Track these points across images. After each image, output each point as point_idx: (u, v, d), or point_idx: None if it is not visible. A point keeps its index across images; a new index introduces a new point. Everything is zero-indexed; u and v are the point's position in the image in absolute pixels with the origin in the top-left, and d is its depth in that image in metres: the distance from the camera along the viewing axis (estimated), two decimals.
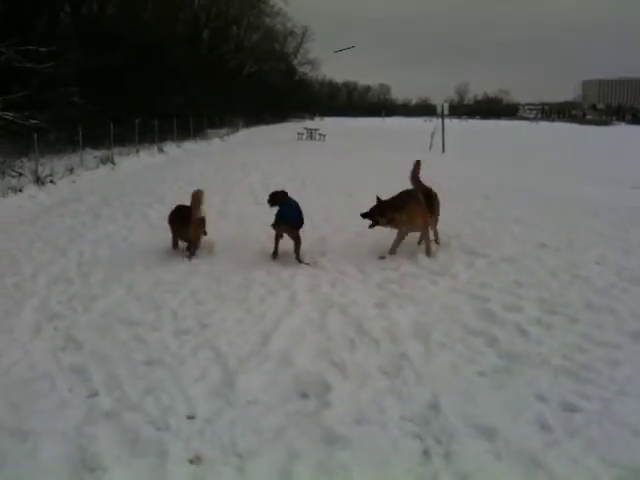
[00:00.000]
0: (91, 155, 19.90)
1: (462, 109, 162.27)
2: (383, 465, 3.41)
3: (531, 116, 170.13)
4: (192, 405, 4.04)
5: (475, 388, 4.26)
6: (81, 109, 21.54)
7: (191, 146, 30.66)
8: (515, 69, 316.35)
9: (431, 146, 28.41)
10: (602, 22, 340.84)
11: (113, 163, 19.68)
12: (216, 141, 36.47)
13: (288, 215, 7.62)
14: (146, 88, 28.16)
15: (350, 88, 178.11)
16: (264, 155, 25.04)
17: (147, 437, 3.66)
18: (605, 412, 3.88)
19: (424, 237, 7.98)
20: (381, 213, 7.68)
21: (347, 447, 3.55)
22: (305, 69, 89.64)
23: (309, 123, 67.60)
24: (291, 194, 8.08)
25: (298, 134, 39.99)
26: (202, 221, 8.02)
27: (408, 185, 8.19)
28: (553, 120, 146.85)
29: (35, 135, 15.49)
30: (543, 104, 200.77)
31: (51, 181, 14.77)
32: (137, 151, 23.64)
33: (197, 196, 7.84)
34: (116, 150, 21.17)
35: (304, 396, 4.20)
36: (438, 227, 8.45)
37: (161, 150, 26.05)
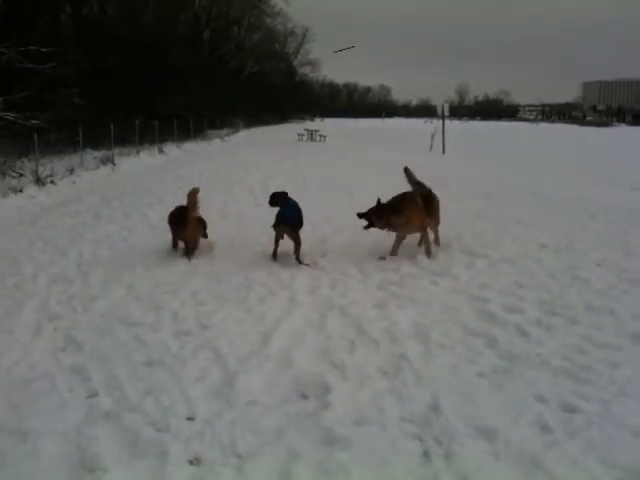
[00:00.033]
0: (91, 156, 19.90)
1: (463, 110, 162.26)
2: (383, 466, 3.41)
3: (531, 117, 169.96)
4: (192, 406, 4.04)
5: (475, 389, 4.26)
6: (82, 110, 21.53)
7: (191, 147, 30.66)
8: (515, 69, 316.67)
9: (431, 147, 28.44)
10: (602, 22, 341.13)
11: (113, 164, 19.68)
12: (216, 142, 36.47)
13: (288, 216, 7.63)
14: (147, 89, 28.16)
15: (350, 89, 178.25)
16: (265, 156, 25.05)
17: (147, 438, 3.66)
18: (605, 413, 3.88)
19: (424, 239, 7.97)
20: (378, 215, 7.68)
21: (347, 448, 3.55)
22: (306, 70, 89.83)
23: (309, 124, 67.75)
24: (292, 195, 8.09)
25: (298, 135, 39.99)
26: (200, 221, 8.02)
27: (407, 187, 8.20)
28: (553, 121, 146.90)
29: (36, 135, 15.49)
30: (543, 105, 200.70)
31: (51, 181, 14.77)
32: (137, 152, 23.64)
33: (192, 194, 7.84)
34: (116, 151, 21.17)
35: (304, 397, 4.21)
36: (439, 229, 8.43)
37: (161, 151, 26.05)
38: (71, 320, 5.68)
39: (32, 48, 16.49)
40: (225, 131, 43.87)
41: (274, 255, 7.71)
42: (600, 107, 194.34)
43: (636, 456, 3.44)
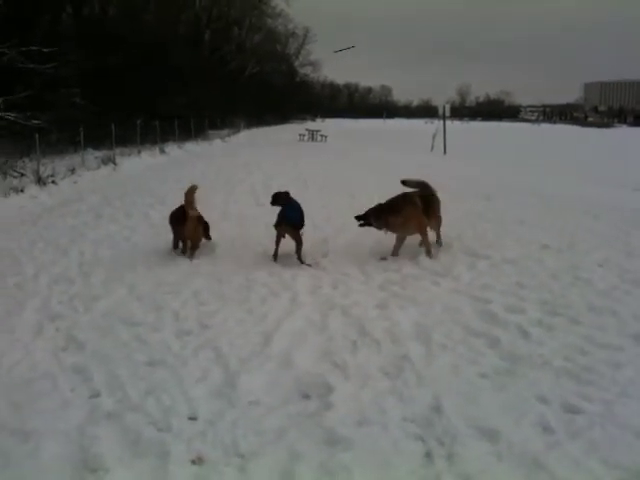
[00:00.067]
0: (92, 155, 19.90)
1: (464, 111, 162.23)
2: (385, 466, 3.41)
3: (533, 118, 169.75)
4: (194, 406, 4.04)
5: (477, 389, 4.26)
6: (83, 110, 21.54)
7: (192, 147, 30.66)
8: (515, 69, 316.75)
9: (433, 147, 28.44)
10: (602, 22, 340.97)
11: (114, 164, 19.69)
12: (217, 142, 36.47)
13: (290, 216, 7.63)
14: (148, 89, 28.17)
15: (351, 89, 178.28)
16: (266, 156, 25.06)
17: (149, 438, 3.66)
18: (607, 414, 3.87)
19: (423, 239, 7.95)
20: (377, 216, 7.68)
21: (349, 448, 3.55)
22: (306, 70, 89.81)
23: (311, 124, 67.72)
24: (293, 195, 8.09)
25: (300, 135, 39.99)
26: (200, 219, 8.01)
27: (409, 186, 8.20)
28: (555, 122, 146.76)
29: (37, 135, 15.49)
30: (545, 106, 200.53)
31: (53, 181, 14.78)
32: (138, 152, 23.65)
33: (189, 192, 7.85)
34: (117, 151, 21.18)
35: (306, 397, 4.20)
36: (440, 230, 8.41)
37: (162, 151, 26.06)
38: (72, 320, 5.68)
39: (33, 48, 16.49)
40: (226, 131, 43.85)
41: (275, 255, 7.71)
42: (601, 108, 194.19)
43: (638, 456, 3.44)
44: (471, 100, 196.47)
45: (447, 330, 5.34)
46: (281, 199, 7.93)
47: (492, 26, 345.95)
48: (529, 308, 5.85)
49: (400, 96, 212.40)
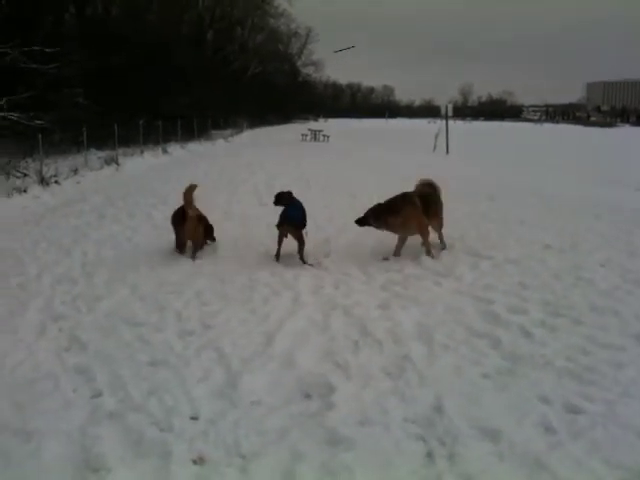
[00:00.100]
0: (95, 156, 19.96)
1: (466, 110, 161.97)
2: (386, 466, 3.41)
3: (535, 118, 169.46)
4: (196, 406, 4.04)
5: (479, 390, 4.26)
6: (85, 110, 21.60)
7: (195, 147, 30.69)
8: (516, 69, 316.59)
9: (435, 147, 28.41)
10: (603, 22, 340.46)
11: (117, 164, 19.72)
12: (220, 142, 36.49)
13: (292, 215, 7.63)
14: (150, 89, 28.20)
15: (354, 89, 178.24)
16: (268, 156, 25.06)
17: (151, 438, 3.67)
18: (609, 414, 3.87)
19: (423, 240, 7.93)
20: (375, 216, 7.68)
21: (350, 448, 3.55)
22: (309, 70, 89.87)
23: (313, 124, 67.70)
24: (295, 195, 8.09)
25: (302, 135, 39.99)
26: (200, 219, 8.01)
27: (410, 187, 8.20)
28: (557, 122, 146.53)
29: (40, 136, 15.53)
30: (547, 106, 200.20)
31: (56, 181, 14.82)
32: (141, 152, 23.69)
33: (187, 192, 7.85)
34: (120, 151, 21.23)
35: (308, 397, 4.21)
36: (443, 231, 8.38)
37: (165, 151, 26.08)
38: (75, 320, 5.69)
39: (36, 48, 16.50)
40: (229, 131, 43.88)
41: (277, 255, 7.71)
42: (604, 108, 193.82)
43: None
44: (473, 100, 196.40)
45: (449, 330, 5.34)
46: (284, 199, 7.94)
47: (492, 26, 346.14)
48: (531, 308, 5.84)
49: (402, 96, 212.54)
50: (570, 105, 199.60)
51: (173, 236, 8.22)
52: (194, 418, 3.90)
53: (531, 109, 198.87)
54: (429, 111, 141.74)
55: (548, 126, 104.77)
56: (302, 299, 6.21)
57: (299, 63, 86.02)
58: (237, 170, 19.10)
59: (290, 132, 50.08)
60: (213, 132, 39.28)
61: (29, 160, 16.13)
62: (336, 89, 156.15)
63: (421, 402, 4.08)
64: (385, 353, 4.90)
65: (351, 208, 9.96)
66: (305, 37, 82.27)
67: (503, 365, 4.65)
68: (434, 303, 6.06)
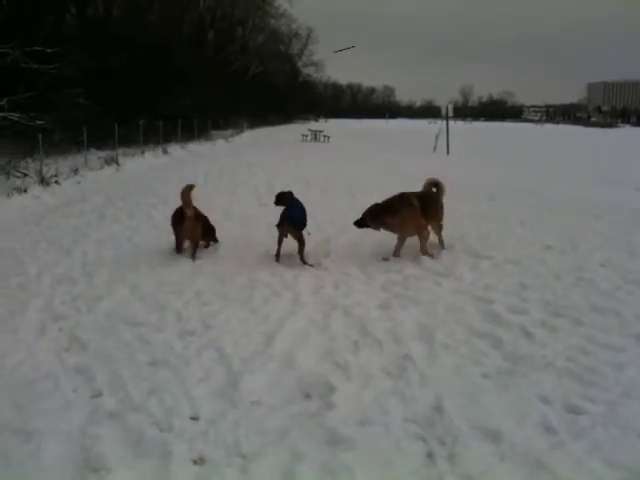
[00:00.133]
0: (95, 156, 19.95)
1: (467, 111, 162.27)
2: (387, 466, 3.41)
3: (536, 118, 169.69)
4: (196, 406, 4.04)
5: (479, 390, 4.25)
6: (86, 110, 21.57)
7: (195, 147, 30.66)
8: (516, 69, 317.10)
9: (435, 148, 28.41)
10: (603, 22, 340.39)
11: (117, 164, 19.71)
12: (220, 142, 36.46)
13: (293, 216, 7.63)
14: (151, 89, 28.18)
15: (354, 90, 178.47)
16: (269, 156, 25.05)
17: (151, 438, 3.66)
18: (610, 414, 3.87)
19: (420, 240, 7.90)
20: (372, 217, 7.67)
21: (350, 448, 3.55)
22: (309, 70, 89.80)
23: (314, 125, 67.72)
24: (296, 195, 8.08)
25: (303, 135, 39.98)
26: (198, 218, 8.00)
27: (410, 187, 8.20)
28: (558, 122, 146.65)
29: (40, 136, 15.53)
30: (548, 106, 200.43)
31: (56, 182, 14.81)
32: (142, 152, 23.66)
33: (184, 192, 7.85)
34: (120, 151, 21.21)
35: (308, 397, 4.21)
36: (443, 232, 8.38)
37: (165, 151, 26.06)
38: (75, 320, 5.68)
39: (37, 49, 16.49)
40: (229, 132, 43.85)
41: (277, 255, 7.71)
42: (605, 108, 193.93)
43: None
44: (474, 100, 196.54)
45: (449, 330, 5.33)
46: (285, 199, 7.94)
47: (492, 26, 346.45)
48: (532, 309, 5.84)
49: (403, 96, 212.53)
50: (571, 105, 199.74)
51: (173, 236, 8.22)
52: (194, 418, 3.90)
53: (532, 109, 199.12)
54: (430, 111, 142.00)
55: (549, 127, 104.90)
56: (302, 299, 6.21)
57: (300, 63, 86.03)
58: (237, 170, 19.08)
59: (291, 132, 50.07)
60: (213, 132, 39.27)
61: (29, 160, 16.12)
62: (337, 89, 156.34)
63: (421, 402, 4.07)
64: (385, 353, 4.89)
65: (351, 208, 9.95)
66: (306, 37, 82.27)
67: (503, 365, 4.64)
68: (434, 303, 6.05)
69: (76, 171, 16.62)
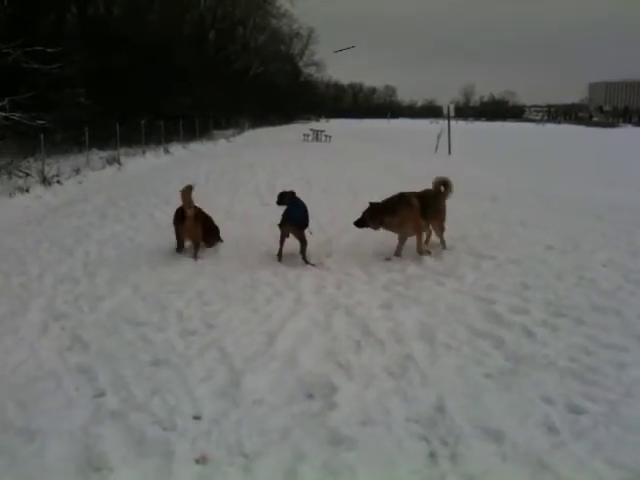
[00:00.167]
0: (97, 156, 19.97)
1: (468, 111, 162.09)
2: (389, 466, 3.41)
3: (537, 118, 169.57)
4: (198, 405, 4.04)
5: (481, 390, 4.25)
6: (87, 110, 21.61)
7: (197, 147, 30.69)
8: (516, 69, 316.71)
9: (437, 148, 28.38)
10: (603, 22, 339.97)
11: (119, 164, 19.73)
12: (222, 142, 36.49)
13: (294, 215, 7.64)
14: (152, 89, 28.21)
15: (356, 90, 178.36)
16: (270, 156, 25.04)
17: (153, 437, 3.67)
18: (612, 414, 3.87)
19: (417, 239, 7.89)
20: (372, 216, 7.68)
21: (352, 448, 3.55)
22: (311, 70, 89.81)
23: (315, 124, 67.66)
24: (297, 195, 8.08)
25: (304, 135, 39.96)
26: (197, 217, 8.00)
27: (411, 187, 8.20)
28: (559, 122, 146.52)
29: (42, 135, 15.55)
30: (549, 106, 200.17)
31: (57, 181, 14.83)
32: (143, 152, 23.67)
33: (184, 193, 7.85)
34: (122, 151, 21.22)
35: (310, 397, 4.21)
36: (445, 232, 8.38)
37: (167, 151, 26.08)
38: (77, 319, 5.69)
39: (38, 48, 16.49)
40: (230, 131, 43.91)
41: (279, 255, 7.71)
42: (606, 108, 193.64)
43: None
44: (475, 100, 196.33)
45: (451, 330, 5.34)
46: (287, 198, 7.94)
47: (492, 26, 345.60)
48: (533, 308, 5.84)
49: (404, 96, 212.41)
50: (572, 105, 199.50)
51: (174, 236, 8.22)
52: (197, 417, 3.90)
53: (533, 109, 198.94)
54: (431, 111, 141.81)
55: (550, 126, 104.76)
56: (304, 299, 6.21)
57: (301, 63, 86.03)
58: (239, 170, 19.08)
59: (292, 132, 50.07)
60: (215, 132, 39.31)
61: (31, 160, 16.13)
62: (338, 89, 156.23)
63: (423, 402, 4.08)
64: (387, 353, 4.90)
65: (353, 208, 9.94)
66: (307, 37, 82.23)
67: (505, 365, 4.64)
68: (436, 303, 6.06)
69: (78, 171, 16.65)
